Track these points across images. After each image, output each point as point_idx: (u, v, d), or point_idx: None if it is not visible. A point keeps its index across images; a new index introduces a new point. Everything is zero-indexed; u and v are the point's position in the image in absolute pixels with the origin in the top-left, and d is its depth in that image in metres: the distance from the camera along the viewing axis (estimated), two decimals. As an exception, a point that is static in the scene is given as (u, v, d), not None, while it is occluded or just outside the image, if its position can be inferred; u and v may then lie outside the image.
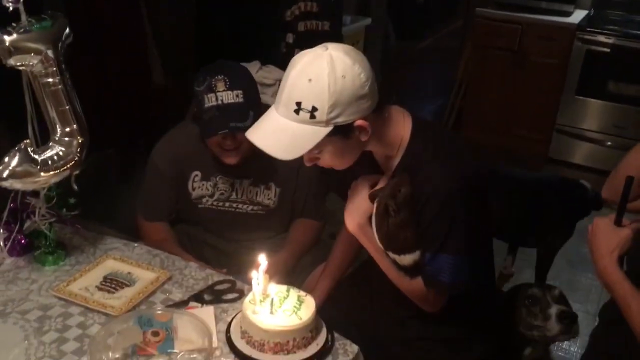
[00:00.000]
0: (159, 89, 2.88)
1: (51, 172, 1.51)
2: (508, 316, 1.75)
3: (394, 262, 1.46)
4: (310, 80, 1.25)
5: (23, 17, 1.42)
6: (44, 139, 1.55)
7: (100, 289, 1.56)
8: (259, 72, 2.53)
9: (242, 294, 1.56)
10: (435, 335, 1.58)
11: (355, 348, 1.41)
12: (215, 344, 1.37)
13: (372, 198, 1.43)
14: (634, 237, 1.22)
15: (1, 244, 1.65)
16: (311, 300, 1.41)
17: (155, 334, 1.36)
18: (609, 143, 4.17)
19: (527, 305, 1.73)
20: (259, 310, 1.36)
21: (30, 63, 1.43)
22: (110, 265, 1.66)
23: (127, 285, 1.58)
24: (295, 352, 1.34)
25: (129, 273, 1.63)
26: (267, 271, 1.39)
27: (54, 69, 1.46)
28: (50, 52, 1.44)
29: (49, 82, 1.47)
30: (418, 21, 5.98)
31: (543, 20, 4.15)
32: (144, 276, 1.62)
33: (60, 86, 1.48)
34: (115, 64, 2.86)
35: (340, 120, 1.28)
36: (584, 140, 4.26)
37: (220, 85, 1.72)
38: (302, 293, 1.43)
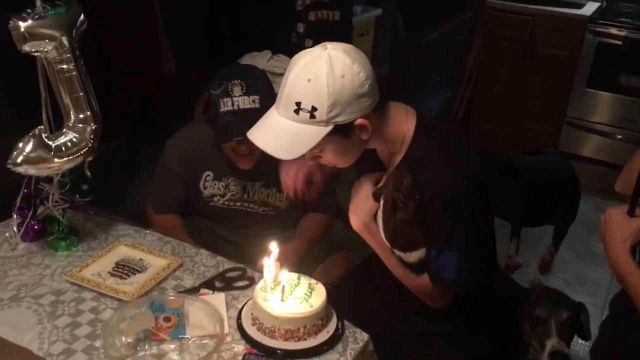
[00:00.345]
0: (170, 79, 2.88)
1: (65, 158, 1.52)
2: (514, 317, 1.77)
3: (400, 260, 1.46)
4: (309, 80, 1.26)
5: (38, 3, 1.43)
6: (57, 126, 1.56)
7: (112, 275, 1.57)
8: (269, 61, 2.53)
9: (252, 282, 1.57)
10: (437, 330, 1.59)
11: (365, 336, 1.42)
12: (226, 330, 1.38)
13: (376, 196, 1.43)
14: None
15: (15, 229, 1.66)
16: (322, 289, 1.41)
17: (167, 319, 1.37)
18: (619, 136, 4.15)
19: (530, 322, 1.74)
20: (270, 298, 1.37)
21: (45, 49, 1.44)
22: (122, 251, 1.67)
23: (138, 272, 1.59)
24: (305, 339, 1.35)
25: (141, 259, 1.64)
26: (277, 260, 1.40)
27: (69, 55, 1.47)
28: (64, 39, 1.45)
29: (63, 68, 1.48)
30: (427, 13, 5.95)
31: (554, 11, 4.13)
32: (156, 262, 1.63)
33: (74, 73, 1.49)
34: (125, 53, 2.87)
35: (340, 119, 1.29)
36: (594, 133, 4.24)
37: (237, 90, 1.71)
38: (313, 281, 1.44)
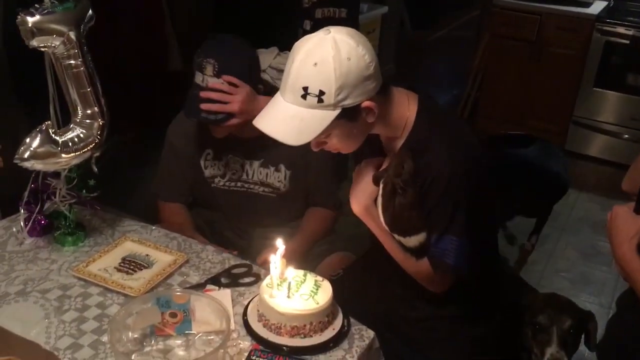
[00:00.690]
0: (177, 75, 2.89)
1: (72, 154, 1.52)
2: (518, 323, 1.77)
3: (400, 244, 1.46)
4: (315, 64, 1.25)
5: (46, -2, 1.43)
6: (65, 121, 1.56)
7: (118, 270, 1.57)
8: (276, 58, 2.51)
9: (258, 278, 1.57)
10: (443, 314, 1.60)
11: (371, 333, 1.42)
12: (232, 326, 1.38)
13: (376, 180, 1.43)
14: None
15: (22, 224, 1.67)
16: (328, 286, 1.41)
17: (174, 315, 1.37)
18: (626, 136, 4.14)
19: (533, 328, 1.74)
20: (276, 294, 1.37)
21: (53, 44, 1.44)
22: (129, 247, 1.67)
23: (145, 267, 1.60)
24: (311, 336, 1.35)
25: (147, 255, 1.64)
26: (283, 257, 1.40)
27: (76, 50, 1.47)
28: (72, 34, 1.45)
29: (71, 63, 1.48)
30: (433, 10, 5.93)
31: (562, 10, 4.12)
32: (162, 258, 1.63)
33: (82, 68, 1.49)
34: (133, 50, 2.87)
35: (348, 102, 1.29)
36: (601, 132, 4.22)
37: (209, 70, 1.71)
38: (319, 278, 1.44)
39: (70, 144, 1.53)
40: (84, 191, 1.67)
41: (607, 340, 1.51)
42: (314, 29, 2.97)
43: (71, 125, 1.54)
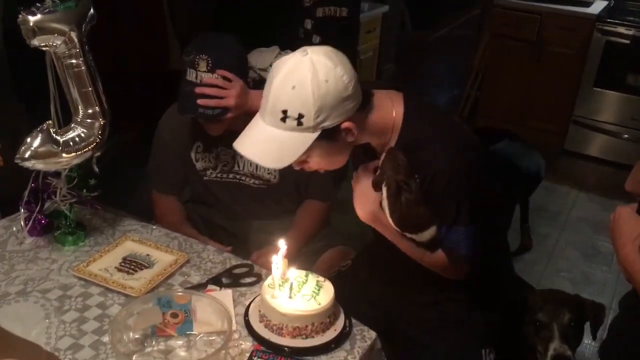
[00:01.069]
0: (178, 74, 2.88)
1: (73, 154, 1.52)
2: (519, 322, 1.77)
3: (413, 241, 1.46)
4: (294, 87, 1.25)
5: (47, -3, 1.42)
6: (66, 121, 1.56)
7: (119, 270, 1.57)
8: (277, 57, 2.52)
9: (259, 278, 1.57)
10: (453, 297, 1.61)
11: (372, 334, 1.41)
12: (234, 327, 1.38)
13: (376, 185, 1.42)
14: None
15: (22, 223, 1.66)
16: (330, 286, 1.41)
17: (175, 315, 1.37)
18: (626, 136, 4.14)
19: (534, 326, 1.75)
20: (278, 295, 1.36)
21: (54, 44, 1.44)
22: (129, 246, 1.67)
23: (145, 267, 1.59)
24: (313, 337, 1.35)
25: (148, 255, 1.64)
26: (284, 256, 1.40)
27: (77, 50, 1.46)
28: (73, 33, 1.44)
29: (72, 63, 1.48)
30: (434, 10, 5.93)
31: (562, 10, 4.11)
32: (163, 258, 1.63)
33: (83, 67, 1.48)
34: (134, 49, 2.87)
35: (327, 124, 1.29)
36: (601, 132, 4.22)
37: (203, 66, 1.70)
38: (321, 278, 1.43)
39: (71, 143, 1.52)
40: (85, 191, 1.66)
41: (610, 342, 1.51)
42: (315, 27, 3.00)
43: (72, 125, 1.54)
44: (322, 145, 1.32)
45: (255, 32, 2.89)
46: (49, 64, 1.49)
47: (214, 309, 1.35)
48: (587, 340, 2.65)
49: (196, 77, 1.71)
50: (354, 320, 1.43)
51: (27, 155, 1.48)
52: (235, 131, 1.83)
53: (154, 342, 1.35)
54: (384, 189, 1.39)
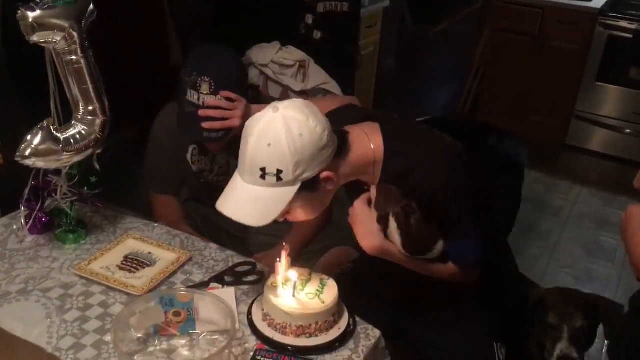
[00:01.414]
0: (178, 70, 2.86)
1: (73, 151, 1.50)
2: (525, 320, 1.76)
3: (424, 260, 1.47)
4: (269, 144, 1.26)
5: (47, -8, 1.40)
6: (66, 118, 1.54)
7: (121, 269, 1.56)
8: (279, 52, 2.51)
9: (262, 276, 1.55)
10: (459, 295, 1.62)
11: (377, 332, 1.40)
12: (237, 325, 1.36)
13: (382, 221, 1.42)
14: None
15: (22, 221, 1.65)
16: (334, 284, 1.40)
17: (177, 314, 1.35)
18: (628, 130, 4.13)
19: (543, 326, 1.73)
20: (281, 293, 1.35)
21: (54, 40, 1.42)
22: (131, 245, 1.65)
23: (147, 265, 1.58)
24: (317, 336, 1.34)
25: (150, 253, 1.62)
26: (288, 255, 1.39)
27: (77, 46, 1.44)
28: (73, 29, 1.42)
29: (72, 59, 1.46)
30: (434, 4, 5.90)
31: (564, 4, 4.09)
32: (165, 256, 1.61)
33: (83, 64, 1.47)
34: (134, 45, 2.85)
35: (306, 175, 1.30)
36: (603, 127, 4.21)
37: (205, 88, 1.69)
38: (325, 277, 1.42)
39: (71, 141, 1.51)
40: (86, 188, 1.64)
41: (620, 341, 1.49)
42: (316, 23, 2.98)
43: (72, 122, 1.52)
44: (303, 197, 1.34)
45: (256, 27, 2.88)
46: (48, 61, 1.48)
47: (217, 307, 1.34)
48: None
49: (198, 99, 1.69)
50: (358, 319, 1.42)
51: (27, 153, 1.47)
52: (232, 140, 1.82)
53: (156, 342, 1.34)
54: (392, 220, 1.40)
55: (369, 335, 1.39)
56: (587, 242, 3.31)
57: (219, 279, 1.54)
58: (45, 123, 1.48)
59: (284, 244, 1.39)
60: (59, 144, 1.48)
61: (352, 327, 1.39)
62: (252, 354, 1.31)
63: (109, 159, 1.63)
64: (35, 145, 1.46)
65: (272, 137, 1.26)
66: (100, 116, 1.53)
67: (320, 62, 2.61)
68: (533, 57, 4.25)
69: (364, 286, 1.70)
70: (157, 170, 1.96)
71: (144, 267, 1.57)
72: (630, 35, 3.91)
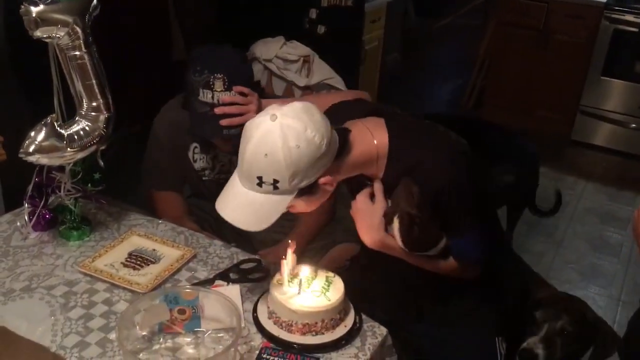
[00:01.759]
0: (181, 65, 2.86)
1: (77, 148, 1.49)
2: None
3: (425, 256, 1.46)
4: (266, 155, 1.26)
5: (50, -13, 1.39)
6: (70, 114, 1.53)
7: (125, 266, 1.55)
8: (283, 47, 2.50)
9: (267, 274, 1.54)
10: (470, 287, 1.60)
11: (383, 330, 1.39)
12: (242, 323, 1.36)
13: (389, 218, 1.41)
14: None
15: (26, 218, 1.64)
16: (340, 282, 1.39)
17: (182, 312, 1.35)
18: (633, 125, 4.11)
19: (530, 321, 1.73)
20: (287, 291, 1.34)
21: (57, 35, 1.41)
22: (135, 241, 1.64)
23: (152, 262, 1.57)
24: (323, 334, 1.33)
25: (154, 250, 1.61)
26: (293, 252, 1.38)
27: (81, 41, 1.43)
28: (77, 24, 1.41)
29: (75, 55, 1.45)
30: (438, -2, 5.88)
31: (570, -3, 4.07)
32: (169, 253, 1.60)
33: (87, 59, 1.45)
34: (137, 40, 2.84)
35: (303, 184, 1.30)
36: (608, 121, 4.19)
37: (219, 85, 1.67)
38: (331, 274, 1.41)
39: (75, 137, 1.50)
40: (89, 185, 1.63)
41: (631, 337, 1.48)
42: (320, 17, 2.97)
43: (76, 118, 1.51)
44: (302, 199, 1.34)
45: (259, 21, 2.86)
46: (52, 56, 1.46)
47: (222, 305, 1.33)
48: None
49: (212, 98, 1.67)
50: (364, 316, 1.41)
51: (31, 149, 1.45)
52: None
53: (161, 340, 1.33)
54: (396, 220, 1.38)
55: (376, 332, 1.38)
56: (592, 237, 3.30)
57: (224, 276, 1.53)
58: (48, 119, 1.47)
59: (289, 240, 1.38)
60: (62, 141, 1.47)
61: (358, 325, 1.37)
62: (257, 352, 1.30)
63: (113, 155, 1.63)
64: (38, 142, 1.45)
65: (269, 147, 1.25)
66: (104, 112, 1.52)
67: (324, 57, 2.60)
68: (538, 51, 4.23)
69: (364, 282, 1.69)
70: (157, 168, 1.94)
71: (149, 264, 1.56)
72: (636, 29, 3.88)
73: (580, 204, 3.62)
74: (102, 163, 1.58)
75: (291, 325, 1.32)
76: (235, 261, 1.60)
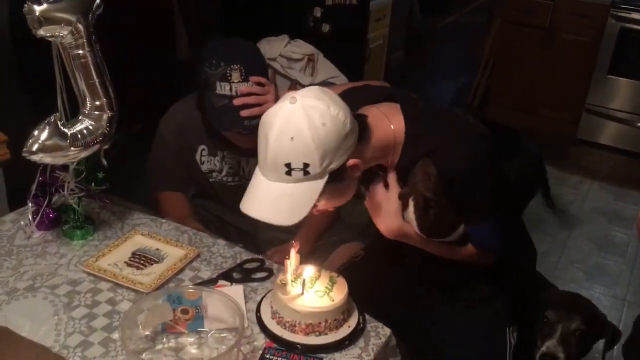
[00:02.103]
0: (185, 64, 2.86)
1: (81, 147, 1.49)
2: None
3: (442, 243, 1.45)
4: (292, 138, 1.21)
5: (53, -14, 1.39)
6: (73, 113, 1.53)
7: (129, 265, 1.54)
8: (287, 46, 2.49)
9: (271, 273, 1.54)
10: (482, 275, 1.59)
11: (387, 330, 1.38)
12: (245, 323, 1.35)
13: (404, 198, 1.39)
14: None
15: (30, 217, 1.64)
16: (343, 282, 1.38)
17: (185, 311, 1.34)
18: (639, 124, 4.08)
19: (541, 322, 1.74)
20: (290, 291, 1.34)
21: (60, 34, 1.40)
22: (139, 241, 1.64)
23: (155, 262, 1.56)
24: (326, 334, 1.32)
25: (157, 249, 1.61)
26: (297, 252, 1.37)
27: (84, 40, 1.43)
28: (80, 23, 1.41)
29: (78, 54, 1.44)
30: (443, -4, 5.87)
31: (576, -5, 4.04)
32: (173, 253, 1.60)
33: (90, 58, 1.45)
34: (141, 39, 2.84)
35: (334, 165, 1.26)
36: (614, 120, 4.16)
37: (236, 76, 1.65)
38: (334, 274, 1.40)
39: (79, 136, 1.49)
40: (93, 184, 1.63)
41: (635, 338, 1.47)
42: (324, 16, 2.96)
43: (80, 117, 1.51)
44: (331, 188, 1.29)
45: (263, 20, 2.86)
46: (55, 55, 1.46)
47: (226, 305, 1.32)
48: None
49: (230, 89, 1.66)
50: (368, 317, 1.40)
51: (34, 148, 1.45)
52: None
53: (164, 339, 1.33)
54: (411, 203, 1.36)
55: (379, 333, 1.37)
56: (598, 236, 3.28)
57: (228, 275, 1.53)
58: (52, 118, 1.46)
59: (293, 241, 1.37)
60: (66, 140, 1.47)
61: (361, 325, 1.37)
62: (261, 352, 1.30)
63: (117, 154, 1.62)
64: (42, 141, 1.44)
65: (294, 130, 1.21)
66: (108, 111, 1.52)
67: (328, 55, 2.60)
68: (544, 50, 4.21)
69: (373, 272, 1.68)
70: (163, 169, 1.94)
71: (152, 264, 1.56)
72: (642, 28, 3.86)
73: (585, 203, 3.60)
74: (105, 162, 1.57)
75: (294, 326, 1.32)
76: (238, 261, 1.60)
